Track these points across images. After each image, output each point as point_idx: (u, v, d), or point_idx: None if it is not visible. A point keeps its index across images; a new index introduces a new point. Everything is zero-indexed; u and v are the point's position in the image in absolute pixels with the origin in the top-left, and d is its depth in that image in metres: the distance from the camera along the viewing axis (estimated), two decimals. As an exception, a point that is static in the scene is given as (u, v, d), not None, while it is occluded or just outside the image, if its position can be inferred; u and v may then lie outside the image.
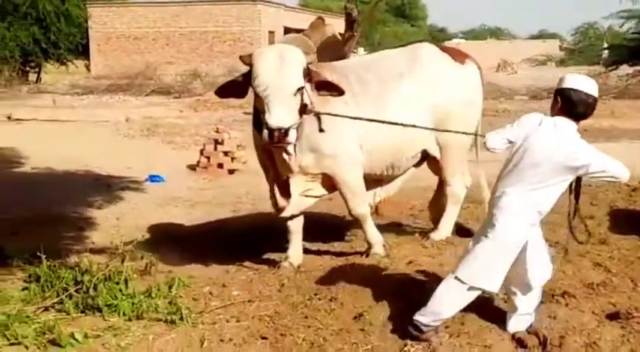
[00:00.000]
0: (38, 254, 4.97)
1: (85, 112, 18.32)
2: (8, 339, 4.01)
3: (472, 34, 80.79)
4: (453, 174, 5.72)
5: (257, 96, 4.69)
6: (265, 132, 4.50)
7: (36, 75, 39.18)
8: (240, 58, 4.82)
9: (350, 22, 12.61)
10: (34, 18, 38.13)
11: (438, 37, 69.68)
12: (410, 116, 5.10)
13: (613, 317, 3.93)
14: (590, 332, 3.75)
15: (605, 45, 29.90)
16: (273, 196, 5.24)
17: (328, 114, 4.91)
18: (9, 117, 16.70)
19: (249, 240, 6.19)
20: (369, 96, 5.24)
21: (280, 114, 4.50)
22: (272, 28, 37.10)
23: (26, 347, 3.96)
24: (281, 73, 4.61)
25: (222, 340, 4.05)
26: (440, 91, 5.46)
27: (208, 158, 9.84)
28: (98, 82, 30.86)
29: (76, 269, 4.89)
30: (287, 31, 38.81)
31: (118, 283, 4.75)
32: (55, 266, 4.95)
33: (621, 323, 3.84)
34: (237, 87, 4.96)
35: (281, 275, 4.96)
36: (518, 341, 3.68)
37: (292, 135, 4.54)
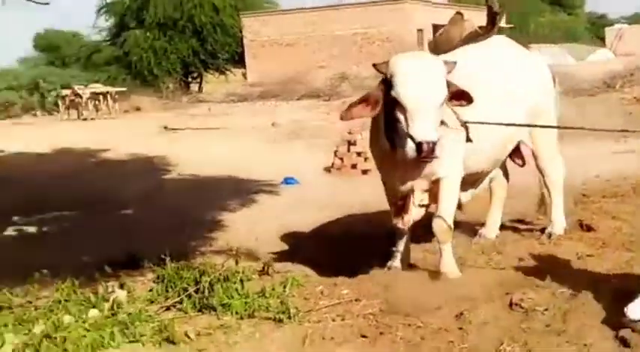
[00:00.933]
0: (163, 256, 5.26)
1: (236, 119, 19.08)
2: (127, 337, 4.26)
3: (634, 19, 76.62)
4: (549, 160, 5.66)
5: (392, 108, 4.54)
6: (411, 146, 4.38)
7: (197, 85, 41.31)
8: (375, 66, 4.69)
9: (491, 16, 12.38)
10: (191, 31, 40.50)
11: (597, 23, 66.68)
12: (509, 110, 5.01)
13: None
14: None
15: None
16: (395, 209, 5.19)
17: (479, 122, 4.85)
18: (165, 127, 17.67)
19: (370, 240, 6.23)
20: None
21: (429, 127, 4.40)
22: (421, 26, 36.84)
23: (142, 345, 4.19)
24: (429, 84, 4.49)
25: (324, 338, 4.11)
26: (524, 81, 5.43)
27: (342, 159, 9.99)
28: (252, 89, 32.04)
29: (197, 269, 5.12)
30: (435, 28, 38.58)
31: (234, 283, 4.97)
32: (178, 267, 5.20)
33: None
34: (371, 102, 4.71)
35: (390, 274, 4.98)
36: (622, 340, 3.50)
37: (439, 148, 4.44)
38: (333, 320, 4.36)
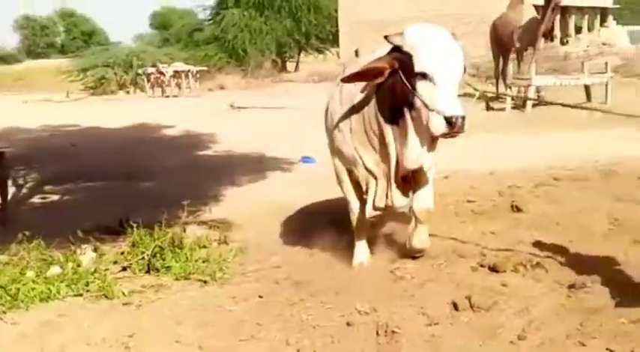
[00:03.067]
0: (133, 223, 5.91)
1: (306, 99, 19.58)
2: (73, 291, 4.94)
3: None
4: None
5: (406, 82, 4.30)
6: (440, 121, 4.16)
7: (295, 64, 42.10)
8: (387, 38, 4.40)
9: (547, 3, 12.37)
10: (287, 12, 41.22)
11: None
12: None
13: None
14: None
15: None
16: (360, 197, 5.01)
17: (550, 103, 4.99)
18: (232, 106, 18.45)
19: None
20: None
21: (457, 102, 4.26)
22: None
23: (83, 298, 4.85)
24: (456, 56, 4.34)
25: (234, 297, 4.66)
26: None
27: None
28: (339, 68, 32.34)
29: (156, 236, 5.74)
30: (535, 8, 37.71)
31: (185, 249, 5.59)
32: (144, 233, 5.81)
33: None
34: (374, 74, 4.44)
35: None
36: (453, 304, 3.90)
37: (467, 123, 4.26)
38: (248, 283, 4.91)
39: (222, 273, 5.12)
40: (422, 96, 4.26)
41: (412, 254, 4.96)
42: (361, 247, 5.13)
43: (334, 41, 42.86)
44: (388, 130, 4.54)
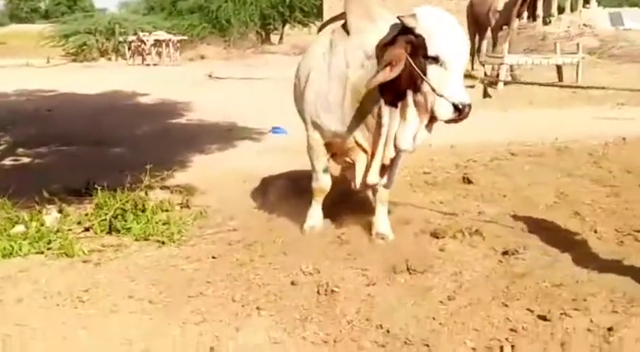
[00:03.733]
0: (98, 185, 6.10)
1: (285, 71, 19.71)
2: (35, 249, 5.13)
3: None
4: None
5: (414, 66, 4.23)
6: (448, 107, 4.18)
7: (278, 37, 42.03)
8: (401, 18, 4.23)
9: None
10: (273, -16, 40.85)
11: None
12: None
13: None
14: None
15: None
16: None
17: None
18: (209, 76, 18.56)
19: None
20: None
21: (464, 88, 4.29)
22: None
23: (44, 256, 5.04)
24: (465, 44, 4.37)
25: (188, 258, 4.88)
26: None
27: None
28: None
29: (119, 198, 5.93)
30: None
31: (147, 211, 5.80)
32: (108, 196, 6.00)
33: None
34: (396, 62, 4.28)
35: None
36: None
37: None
38: (204, 245, 5.13)
39: (180, 235, 5.33)
40: (431, 80, 4.22)
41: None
42: (315, 212, 5.31)
43: (318, 14, 42.80)
44: (386, 112, 4.51)
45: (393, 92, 4.43)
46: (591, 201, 5.93)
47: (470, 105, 4.20)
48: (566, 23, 39.22)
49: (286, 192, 6.33)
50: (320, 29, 5.77)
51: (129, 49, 26.18)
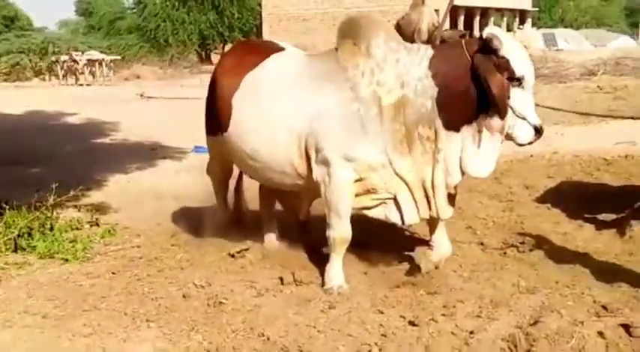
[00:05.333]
0: (6, 203, 6.18)
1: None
2: None
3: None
4: None
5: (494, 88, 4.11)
6: (529, 130, 4.24)
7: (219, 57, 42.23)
8: (489, 39, 4.17)
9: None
10: (210, 3, 41.18)
11: (635, 10, 65.82)
12: None
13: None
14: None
15: None
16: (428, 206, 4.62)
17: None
18: (141, 95, 18.61)
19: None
20: None
21: None
22: (437, 6, 36.88)
23: (-55, 273, 5.10)
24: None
25: (88, 274, 5.00)
26: None
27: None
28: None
29: (25, 217, 6.00)
30: (454, 8, 38.82)
31: (54, 230, 5.91)
32: (18, 215, 6.06)
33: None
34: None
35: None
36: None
37: None
38: (106, 261, 5.26)
39: (85, 253, 5.45)
40: (513, 103, 4.18)
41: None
42: (337, 269, 4.57)
43: (257, 34, 43.19)
44: (444, 136, 4.30)
45: (458, 115, 4.27)
46: (486, 215, 6.23)
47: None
48: (499, 44, 40.32)
49: (193, 209, 6.53)
50: None
51: (62, 68, 26.03)
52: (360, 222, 4.67)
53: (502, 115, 4.15)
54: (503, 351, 3.53)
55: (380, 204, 4.48)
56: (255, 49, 5.20)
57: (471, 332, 3.69)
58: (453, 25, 41.31)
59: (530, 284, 4.37)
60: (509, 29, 48.74)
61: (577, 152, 8.81)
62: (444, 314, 3.92)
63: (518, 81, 4.17)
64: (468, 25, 44.79)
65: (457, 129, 4.28)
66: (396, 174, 4.35)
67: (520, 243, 5.39)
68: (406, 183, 4.37)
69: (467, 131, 4.27)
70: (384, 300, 4.20)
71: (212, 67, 25.52)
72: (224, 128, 4.89)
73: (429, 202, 4.42)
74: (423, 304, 4.11)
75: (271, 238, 5.26)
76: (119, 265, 5.11)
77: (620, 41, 36.49)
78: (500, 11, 49.03)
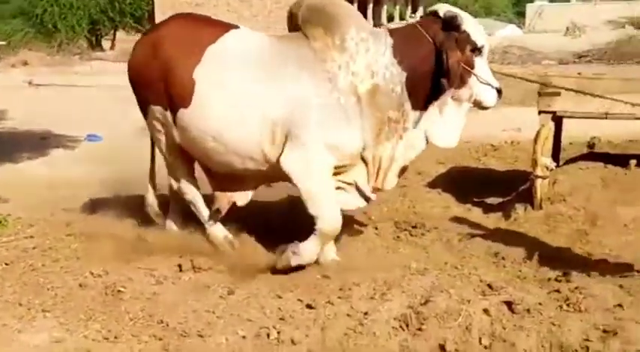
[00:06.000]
0: None
1: (110, 78, 19.44)
2: None
3: (562, -4, 78.73)
4: None
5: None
6: (494, 94, 4.58)
7: (110, 42, 41.01)
8: (449, 17, 4.47)
9: None
10: (100, -13, 39.78)
11: (523, 0, 68.29)
12: None
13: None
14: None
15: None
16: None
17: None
18: (29, 83, 17.99)
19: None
20: None
21: None
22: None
23: None
24: None
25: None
26: None
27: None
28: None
29: None
30: (347, -4, 39.43)
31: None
32: None
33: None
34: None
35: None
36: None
37: None
38: (7, 250, 5.14)
39: (-24, 243, 5.30)
40: (478, 71, 4.51)
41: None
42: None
43: (150, 20, 42.30)
44: (412, 115, 4.56)
45: (425, 94, 4.52)
46: (380, 200, 6.40)
47: None
48: (393, 32, 41.06)
49: (87, 198, 6.46)
50: None
51: (-58, 54, 24.82)
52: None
53: (451, 84, 4.41)
54: (395, 330, 3.69)
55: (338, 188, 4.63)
56: (206, 20, 4.97)
57: (365, 313, 3.83)
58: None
59: (421, 266, 4.55)
60: (402, 17, 49.98)
61: (468, 138, 9.14)
62: (339, 297, 4.04)
63: (479, 51, 4.50)
64: (362, 13, 45.34)
65: (424, 107, 4.54)
66: (362, 157, 4.55)
67: (412, 227, 5.60)
68: (365, 163, 4.58)
69: (433, 106, 4.53)
70: (282, 285, 4.30)
71: (104, 54, 25.02)
72: (181, 104, 4.62)
73: (377, 175, 4.62)
74: (320, 287, 4.23)
75: (172, 225, 5.24)
76: (12, 256, 4.98)
77: (507, 30, 37.65)
78: (393, 0, 50.00)
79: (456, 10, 4.54)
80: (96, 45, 39.69)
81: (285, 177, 4.58)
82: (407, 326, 3.71)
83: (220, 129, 4.53)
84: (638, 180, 6.00)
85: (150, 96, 4.82)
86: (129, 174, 7.53)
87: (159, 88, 4.71)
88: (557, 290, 3.97)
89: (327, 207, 4.49)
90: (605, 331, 3.51)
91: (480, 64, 4.53)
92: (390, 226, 5.65)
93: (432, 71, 4.45)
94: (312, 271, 4.52)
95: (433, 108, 4.53)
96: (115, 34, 41.18)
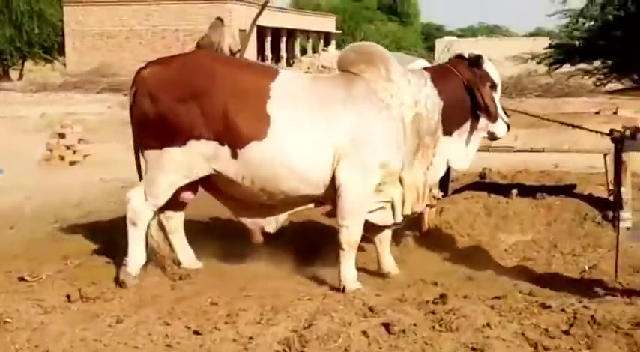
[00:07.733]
0: None
1: (13, 109, 19.13)
2: None
3: (470, 32, 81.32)
4: None
5: (482, 96, 5.12)
6: (504, 126, 5.31)
7: (19, 72, 40.08)
8: (474, 58, 5.23)
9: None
10: (7, 18, 39.12)
11: (431, 34, 70.29)
12: None
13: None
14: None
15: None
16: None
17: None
18: None
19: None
20: None
21: None
22: (243, 26, 37.63)
23: None
24: None
25: None
26: None
27: (51, 151, 10.63)
28: (66, 79, 31.77)
29: None
30: (260, 29, 39.76)
31: None
32: None
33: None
34: None
35: None
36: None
37: None
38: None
39: None
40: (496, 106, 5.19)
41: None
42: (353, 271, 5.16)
43: (60, 51, 41.76)
44: (440, 142, 5.16)
45: (456, 122, 5.17)
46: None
47: None
48: (307, 64, 41.70)
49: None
50: None
51: None
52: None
53: (493, 119, 5.18)
54: (278, 353, 3.82)
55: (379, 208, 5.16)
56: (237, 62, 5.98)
57: (250, 338, 3.95)
58: (260, 45, 42.26)
59: (308, 290, 4.70)
60: (314, 50, 50.69)
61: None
62: (226, 322, 4.15)
63: (495, 87, 5.21)
64: (276, 46, 45.95)
65: (451, 134, 5.18)
66: (399, 179, 5.08)
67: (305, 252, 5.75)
68: (402, 186, 5.10)
69: (458, 133, 5.18)
70: (171, 312, 4.37)
71: (11, 84, 24.50)
72: (252, 138, 4.86)
73: (418, 200, 5.19)
74: (208, 314, 4.32)
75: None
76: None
77: (417, 64, 38.46)
78: (305, 33, 50.70)
79: (477, 53, 5.26)
80: (3, 75, 38.87)
81: (325, 200, 5.13)
82: (289, 348, 3.83)
83: (292, 158, 4.87)
84: (518, 208, 6.37)
85: (195, 133, 4.88)
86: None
87: (214, 125, 4.85)
88: (433, 312, 4.18)
89: (359, 221, 5.01)
90: (473, 349, 3.73)
91: (496, 100, 5.22)
92: (282, 251, 5.75)
93: (463, 102, 5.12)
94: (201, 298, 4.61)
95: (457, 135, 5.19)
96: (23, 65, 40.40)
